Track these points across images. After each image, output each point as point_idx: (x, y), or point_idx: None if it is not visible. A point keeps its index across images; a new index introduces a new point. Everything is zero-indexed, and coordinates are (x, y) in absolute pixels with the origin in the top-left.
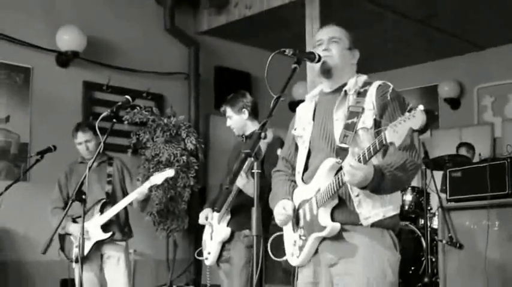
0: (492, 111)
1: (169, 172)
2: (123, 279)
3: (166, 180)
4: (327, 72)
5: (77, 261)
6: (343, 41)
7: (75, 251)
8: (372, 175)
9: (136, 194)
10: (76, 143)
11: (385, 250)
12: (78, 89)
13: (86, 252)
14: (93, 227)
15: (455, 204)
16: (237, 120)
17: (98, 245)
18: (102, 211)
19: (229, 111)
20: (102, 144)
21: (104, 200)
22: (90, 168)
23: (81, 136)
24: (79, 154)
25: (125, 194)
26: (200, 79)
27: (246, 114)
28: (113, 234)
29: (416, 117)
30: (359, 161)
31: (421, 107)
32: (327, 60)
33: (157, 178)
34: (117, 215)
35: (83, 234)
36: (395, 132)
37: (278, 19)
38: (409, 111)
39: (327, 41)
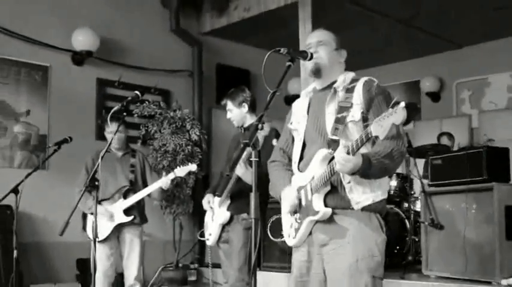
0: (469, 104)
1: (193, 167)
2: (136, 259)
3: (189, 173)
4: (317, 72)
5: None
6: (330, 44)
7: (91, 229)
8: (361, 164)
9: (161, 183)
10: (108, 132)
11: (372, 231)
12: (92, 86)
13: (108, 232)
14: (117, 211)
15: (436, 189)
16: (237, 113)
17: (119, 227)
18: (125, 197)
19: (230, 104)
20: (115, 135)
21: (128, 187)
22: (102, 157)
23: (114, 126)
24: (105, 143)
25: (144, 183)
26: (203, 76)
27: (245, 107)
28: (134, 218)
29: (398, 114)
30: (348, 153)
31: (402, 104)
32: (316, 62)
33: (181, 171)
34: (138, 202)
35: (96, 215)
36: (380, 127)
37: (274, 20)
38: (392, 107)
39: (315, 45)
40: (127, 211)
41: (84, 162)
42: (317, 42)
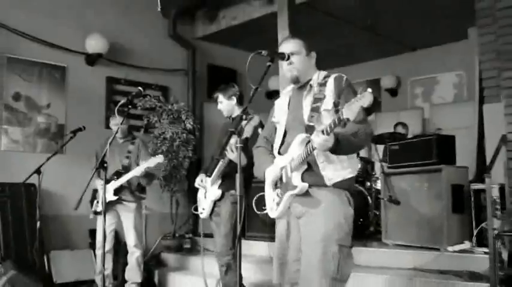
0: (422, 98)
1: (160, 157)
2: (131, 231)
3: (157, 164)
4: (296, 81)
5: (95, 213)
6: (301, 52)
7: (94, 204)
8: (332, 141)
9: (135, 172)
10: (112, 124)
11: (342, 205)
12: (102, 83)
13: (102, 208)
14: (109, 190)
15: (394, 170)
16: (227, 104)
17: (114, 203)
18: (118, 179)
19: (221, 97)
20: (120, 125)
21: (120, 171)
22: (111, 143)
23: (119, 119)
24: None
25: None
26: (196, 75)
27: (234, 100)
28: (119, 198)
29: (366, 97)
30: (323, 133)
31: (369, 89)
32: (292, 74)
33: (151, 162)
34: (128, 183)
35: (105, 193)
36: (350, 110)
37: (256, 27)
38: (360, 93)
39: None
40: (118, 191)
41: (95, 150)
42: (290, 53)
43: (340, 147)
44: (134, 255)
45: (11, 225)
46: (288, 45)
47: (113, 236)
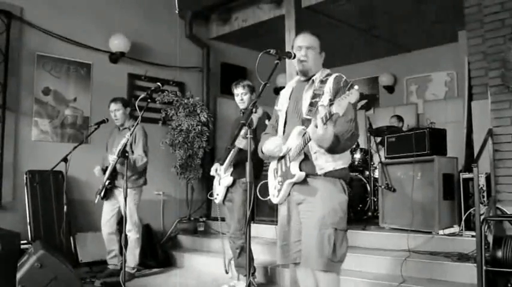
0: (416, 95)
1: (114, 159)
2: (128, 213)
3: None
4: (304, 73)
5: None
6: (316, 48)
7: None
8: (331, 137)
9: (111, 159)
10: (109, 111)
11: (336, 193)
12: (124, 79)
13: (102, 192)
14: (105, 177)
15: (391, 160)
16: (249, 97)
17: (112, 189)
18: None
19: (247, 89)
20: (140, 118)
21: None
22: (112, 133)
23: (112, 106)
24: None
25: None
26: (210, 72)
27: (253, 96)
28: (109, 183)
29: (353, 94)
30: (316, 126)
31: (356, 87)
32: (303, 66)
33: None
34: (120, 170)
35: (127, 181)
36: (339, 106)
37: (265, 29)
38: (349, 89)
39: (305, 49)
40: (113, 177)
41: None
42: (307, 47)
43: (337, 148)
44: (129, 240)
45: (40, 209)
46: (307, 39)
47: (114, 220)
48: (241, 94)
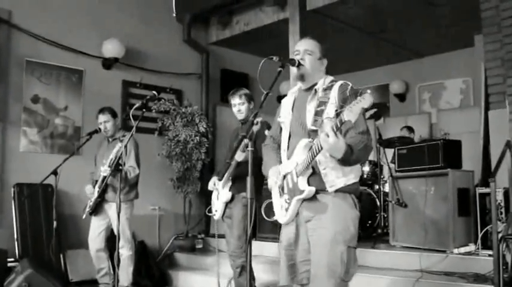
0: (429, 103)
1: (105, 169)
2: (120, 229)
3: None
4: (301, 78)
5: (90, 214)
6: (315, 53)
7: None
8: (344, 147)
9: (103, 171)
10: (98, 123)
11: (347, 209)
12: (118, 86)
13: (93, 208)
14: (95, 191)
15: (402, 174)
16: (247, 107)
17: (101, 204)
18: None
19: (243, 98)
20: (134, 128)
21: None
22: (101, 145)
23: (101, 117)
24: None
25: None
26: (210, 78)
27: (252, 105)
28: (99, 197)
29: (366, 99)
30: (327, 135)
31: (368, 91)
32: (300, 71)
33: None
34: (111, 183)
35: (120, 195)
36: (351, 112)
37: (268, 33)
38: (360, 95)
39: (303, 52)
40: (103, 191)
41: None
42: (304, 51)
43: (351, 160)
44: (122, 257)
45: (28, 224)
46: (304, 43)
47: (103, 236)
48: (238, 105)
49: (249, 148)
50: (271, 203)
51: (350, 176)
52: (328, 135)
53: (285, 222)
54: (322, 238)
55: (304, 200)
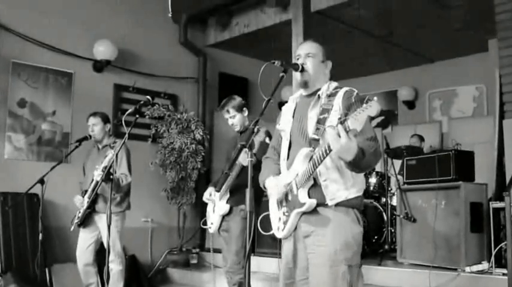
0: (440, 111)
1: (99, 174)
2: (110, 241)
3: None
4: (304, 85)
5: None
6: (317, 56)
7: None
8: (356, 148)
9: (96, 176)
10: (87, 126)
11: (349, 224)
12: (110, 90)
13: (82, 219)
14: (85, 202)
15: (410, 186)
16: (240, 117)
17: (91, 215)
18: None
19: (232, 111)
20: (127, 135)
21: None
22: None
23: (91, 120)
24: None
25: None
26: (207, 83)
27: (246, 112)
28: (89, 208)
29: (373, 107)
30: (338, 135)
31: (375, 98)
32: (303, 77)
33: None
34: (101, 193)
35: (110, 206)
36: (356, 120)
37: (270, 35)
38: (366, 102)
39: (304, 56)
40: (93, 201)
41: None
42: (306, 55)
43: (362, 162)
44: (112, 272)
45: (12, 236)
46: (306, 46)
47: (92, 250)
48: (230, 118)
49: (249, 158)
50: (268, 216)
51: (352, 189)
52: (339, 135)
53: (282, 236)
54: (321, 255)
55: (303, 213)
